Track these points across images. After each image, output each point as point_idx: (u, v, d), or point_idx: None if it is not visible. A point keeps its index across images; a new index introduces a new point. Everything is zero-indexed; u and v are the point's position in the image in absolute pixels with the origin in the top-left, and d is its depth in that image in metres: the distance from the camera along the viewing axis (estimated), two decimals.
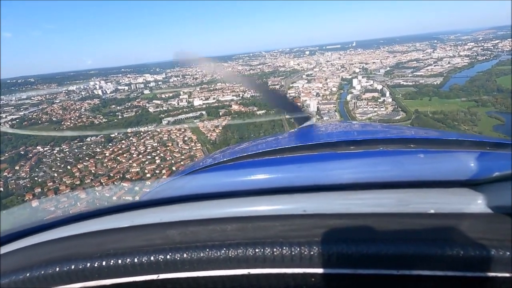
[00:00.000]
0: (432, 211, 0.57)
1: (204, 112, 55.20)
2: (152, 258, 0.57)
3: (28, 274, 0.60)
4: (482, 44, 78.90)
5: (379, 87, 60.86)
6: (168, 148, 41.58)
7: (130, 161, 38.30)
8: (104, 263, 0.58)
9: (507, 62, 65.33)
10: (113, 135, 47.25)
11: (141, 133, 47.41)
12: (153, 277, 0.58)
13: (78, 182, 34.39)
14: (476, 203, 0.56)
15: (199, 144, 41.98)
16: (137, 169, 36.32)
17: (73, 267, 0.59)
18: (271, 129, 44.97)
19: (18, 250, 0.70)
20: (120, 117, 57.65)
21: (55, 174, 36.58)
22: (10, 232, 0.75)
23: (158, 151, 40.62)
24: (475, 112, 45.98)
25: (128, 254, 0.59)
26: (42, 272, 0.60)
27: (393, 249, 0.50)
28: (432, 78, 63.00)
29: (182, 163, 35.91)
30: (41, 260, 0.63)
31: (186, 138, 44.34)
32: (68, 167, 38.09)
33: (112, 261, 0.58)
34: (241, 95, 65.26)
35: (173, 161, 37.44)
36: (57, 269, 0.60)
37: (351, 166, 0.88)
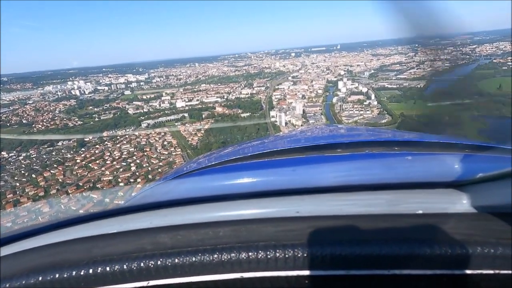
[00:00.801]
0: (420, 212, 0.58)
1: (186, 115, 51.91)
2: (142, 264, 0.55)
3: (8, 285, 0.57)
4: (461, 48, 78.94)
5: (364, 89, 59.44)
6: (145, 153, 38.15)
7: (103, 169, 34.65)
8: (91, 270, 0.56)
9: (486, 67, 65.48)
10: (87, 139, 43.28)
11: (118, 137, 43.65)
12: (143, 284, 0.56)
13: (42, 193, 30.51)
14: (461, 203, 0.57)
15: (179, 149, 38.79)
16: (110, 178, 32.80)
17: (57, 275, 0.56)
18: (255, 133, 42.33)
19: (0, 258, 0.66)
20: (97, 119, 53.54)
21: (17, 184, 32.47)
22: None
23: (134, 157, 37.12)
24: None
25: (117, 261, 0.56)
26: (24, 282, 0.56)
27: (385, 250, 0.50)
28: (416, 81, 62.14)
29: (159, 170, 32.68)
30: (23, 269, 0.59)
31: (165, 143, 41.00)
32: (33, 175, 34.01)
33: (99, 268, 0.56)
34: (225, 97, 62.39)
35: (149, 168, 34.10)
36: (40, 278, 0.56)
37: (342, 168, 0.88)
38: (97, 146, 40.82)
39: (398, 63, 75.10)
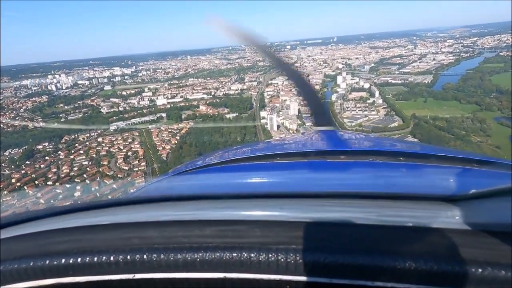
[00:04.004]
0: (410, 225, 0.54)
1: (164, 115, 41.59)
2: (128, 257, 0.53)
3: (0, 268, 0.55)
4: (461, 41, 69.02)
5: (366, 85, 49.08)
6: (100, 169, 28.13)
7: (39, 194, 24.61)
8: (79, 259, 0.54)
9: (494, 60, 55.40)
10: (40, 147, 33.04)
11: (76, 144, 33.47)
12: (129, 276, 0.54)
13: None
14: (454, 219, 0.54)
15: (144, 163, 28.75)
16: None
17: (47, 262, 0.54)
18: (241, 140, 32.34)
19: None
20: (63, 119, 42.95)
21: None
22: None
23: (85, 176, 27.19)
24: (483, 118, 34.85)
25: (104, 252, 0.54)
26: (16, 266, 0.55)
27: (369, 261, 0.48)
28: (421, 75, 51.98)
29: (109, 197, 22.72)
30: (15, 254, 0.58)
31: (130, 153, 31.02)
32: None
33: (87, 258, 0.54)
34: (213, 93, 52.01)
35: (98, 194, 24.06)
36: (31, 263, 0.55)
37: (335, 176, 0.85)
38: (46, 157, 30.75)
39: (399, 56, 65.11)
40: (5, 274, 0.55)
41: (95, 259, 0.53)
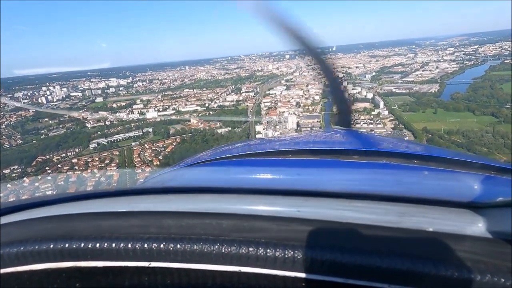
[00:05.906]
0: (430, 229, 0.51)
1: (150, 130, 36.54)
2: (145, 245, 0.52)
3: (22, 248, 0.54)
4: (462, 49, 63.97)
5: (370, 95, 43.86)
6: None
7: None
8: (97, 245, 0.53)
9: (501, 67, 50.15)
10: (6, 171, 28.01)
11: (47, 168, 28.44)
12: (145, 264, 0.53)
13: None
14: (477, 226, 0.51)
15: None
16: None
17: (67, 245, 0.54)
18: None
19: (15, 222, 0.63)
20: (43, 136, 38.02)
21: None
22: (10, 204, 0.68)
23: None
24: (505, 132, 29.45)
25: (122, 239, 0.53)
26: (36, 248, 0.54)
27: (387, 263, 0.45)
28: (426, 84, 46.81)
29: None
30: (37, 235, 0.57)
31: (103, 179, 25.73)
32: None
33: (106, 244, 0.53)
34: (206, 105, 47.06)
35: None
36: (51, 246, 0.54)
37: (354, 175, 0.83)
38: (8, 185, 25.62)
39: (400, 64, 59.98)
40: (25, 254, 0.54)
41: (113, 245, 0.52)
